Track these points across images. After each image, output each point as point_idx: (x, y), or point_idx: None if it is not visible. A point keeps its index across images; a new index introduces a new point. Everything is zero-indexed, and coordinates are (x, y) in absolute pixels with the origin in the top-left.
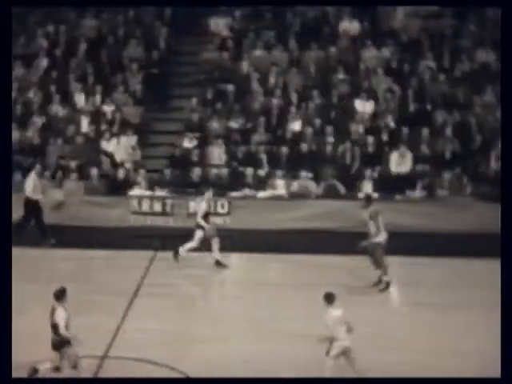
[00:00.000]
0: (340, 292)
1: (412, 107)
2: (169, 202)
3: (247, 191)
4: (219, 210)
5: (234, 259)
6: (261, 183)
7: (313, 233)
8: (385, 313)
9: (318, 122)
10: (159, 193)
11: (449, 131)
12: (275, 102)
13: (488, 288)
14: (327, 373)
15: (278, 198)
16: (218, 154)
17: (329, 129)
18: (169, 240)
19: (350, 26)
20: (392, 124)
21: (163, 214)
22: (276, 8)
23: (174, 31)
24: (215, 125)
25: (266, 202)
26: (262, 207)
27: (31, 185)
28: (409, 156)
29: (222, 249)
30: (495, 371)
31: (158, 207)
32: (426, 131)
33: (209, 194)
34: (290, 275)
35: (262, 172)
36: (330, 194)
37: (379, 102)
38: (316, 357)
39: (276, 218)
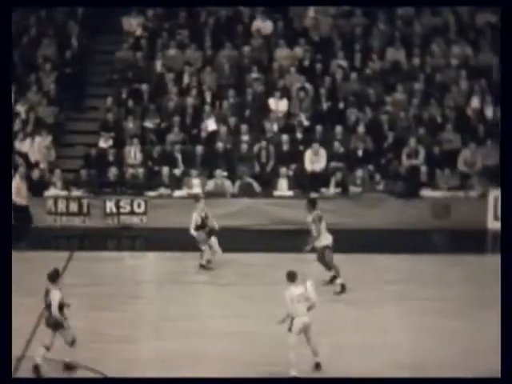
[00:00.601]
0: (257, 289)
1: (325, 105)
2: (85, 201)
3: (163, 190)
4: (136, 209)
5: (152, 258)
6: (177, 182)
7: (229, 231)
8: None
9: (232, 120)
10: (75, 193)
11: (361, 129)
12: (190, 101)
13: (404, 282)
14: (291, 349)
15: (194, 196)
16: (133, 153)
17: (244, 127)
18: (86, 240)
19: (262, 25)
20: (306, 122)
21: (80, 214)
22: (189, 7)
23: (88, 30)
24: (130, 124)
25: (182, 200)
26: (179, 206)
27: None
28: (323, 154)
29: (139, 248)
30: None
31: (74, 207)
32: (339, 129)
33: (200, 203)
34: (206, 273)
35: (177, 171)
36: (246, 192)
37: (293, 101)
38: (234, 355)
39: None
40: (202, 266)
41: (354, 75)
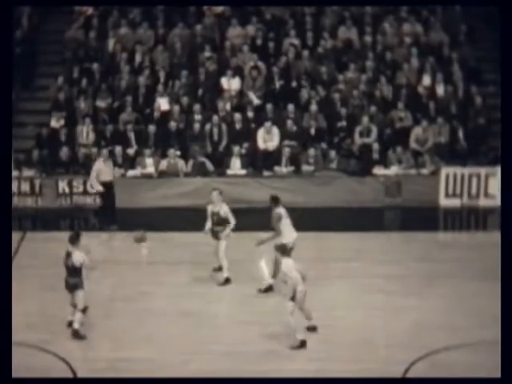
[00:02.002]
0: (210, 268)
1: (277, 84)
2: (37, 182)
3: (116, 170)
4: (88, 189)
5: (104, 238)
6: (130, 162)
7: (182, 210)
8: None
9: (185, 100)
10: (27, 173)
11: (314, 107)
12: (142, 80)
13: (356, 260)
14: (291, 315)
15: (147, 176)
16: (85, 133)
17: (196, 107)
18: (38, 220)
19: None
20: (258, 101)
21: (32, 194)
22: None
23: (38, 10)
24: (82, 104)
25: (136, 180)
26: (132, 186)
27: (95, 170)
28: (275, 132)
29: (93, 228)
30: None
31: (26, 187)
32: (291, 107)
33: (215, 194)
34: (159, 253)
35: (130, 151)
36: (199, 171)
37: (245, 80)
38: (182, 332)
39: (146, 196)
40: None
41: (306, 53)
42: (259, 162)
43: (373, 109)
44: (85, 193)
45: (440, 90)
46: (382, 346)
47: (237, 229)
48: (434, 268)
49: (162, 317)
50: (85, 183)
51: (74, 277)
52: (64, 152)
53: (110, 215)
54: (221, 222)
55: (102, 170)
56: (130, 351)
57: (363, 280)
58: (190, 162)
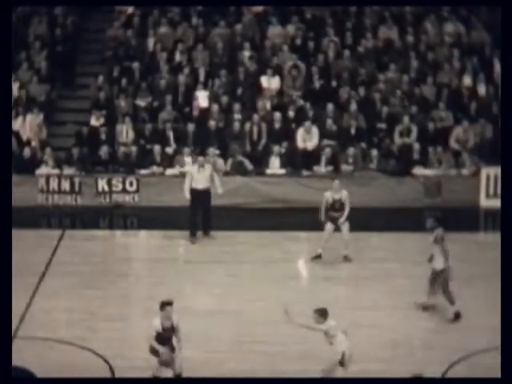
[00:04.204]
0: (249, 268)
1: (317, 83)
2: (77, 180)
3: (155, 169)
4: (128, 187)
5: (143, 236)
6: (169, 160)
7: (221, 209)
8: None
9: (224, 99)
10: (67, 171)
11: (353, 107)
12: (182, 79)
13: (395, 260)
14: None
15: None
16: (125, 131)
17: (236, 106)
18: (77, 218)
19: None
20: (298, 100)
21: (71, 192)
22: None
23: (79, 8)
24: (122, 103)
25: (175, 179)
26: (171, 184)
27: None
28: (315, 132)
29: (130, 226)
30: None
31: (65, 186)
32: (330, 107)
33: (337, 182)
34: (197, 252)
35: (169, 149)
36: (238, 170)
37: (285, 79)
38: (221, 333)
39: (184, 195)
40: (316, 257)
41: (346, 53)
42: (298, 161)
43: (413, 108)
44: (124, 191)
45: (482, 90)
46: (420, 348)
47: (275, 228)
48: (474, 269)
49: (201, 316)
50: (124, 181)
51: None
52: (103, 150)
53: (197, 224)
54: (340, 207)
55: (195, 177)
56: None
57: (401, 281)
58: (229, 161)
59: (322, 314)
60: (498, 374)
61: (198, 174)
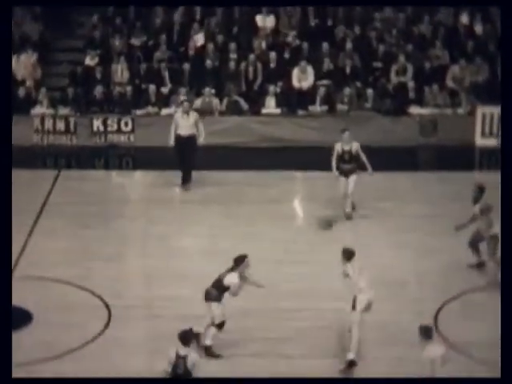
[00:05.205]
0: (245, 208)
1: (313, 23)
2: (72, 120)
3: (150, 109)
4: (123, 127)
5: (138, 176)
6: (164, 100)
7: (216, 149)
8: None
9: (220, 38)
10: (62, 111)
11: (349, 46)
12: (177, 18)
13: (391, 200)
14: (355, 327)
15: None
16: (120, 71)
17: (232, 45)
18: (73, 159)
19: None
20: (293, 39)
21: (67, 132)
22: None
23: None
24: (117, 42)
25: (170, 119)
26: (166, 124)
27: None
28: (310, 71)
29: (126, 166)
30: None
31: (61, 126)
32: (326, 46)
33: (347, 133)
34: (193, 192)
35: (164, 89)
36: (234, 110)
37: (280, 18)
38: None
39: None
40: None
41: None
42: (293, 101)
43: (409, 47)
44: (119, 131)
45: (478, 28)
46: (414, 286)
47: (271, 168)
48: (468, 208)
49: (195, 255)
50: (119, 121)
51: (216, 289)
52: (98, 90)
53: (185, 173)
54: (351, 159)
55: (179, 123)
56: (163, 289)
57: (396, 219)
58: (225, 101)
59: (345, 254)
60: (490, 311)
61: (182, 120)
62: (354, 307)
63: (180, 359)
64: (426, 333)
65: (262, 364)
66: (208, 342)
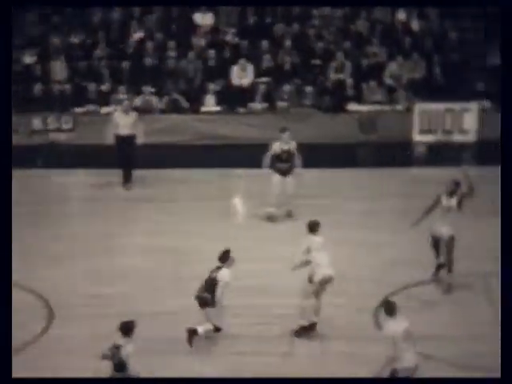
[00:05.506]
0: (185, 205)
1: (251, 20)
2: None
3: (90, 107)
4: (63, 126)
5: (79, 175)
6: (104, 98)
7: (157, 147)
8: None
9: (159, 36)
10: None
11: (288, 43)
12: (115, 15)
13: (330, 196)
14: (312, 299)
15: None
16: (59, 69)
17: (171, 43)
18: (13, 157)
19: None
20: (232, 37)
21: None
22: None
23: None
24: (55, 40)
25: (110, 117)
26: (106, 122)
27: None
28: (249, 69)
29: (67, 164)
30: None
31: None
32: (265, 44)
33: (287, 133)
34: (134, 191)
35: (104, 87)
36: (174, 108)
37: (219, 15)
38: (158, 270)
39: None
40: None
41: None
42: (233, 98)
43: (347, 44)
44: (59, 129)
45: (415, 25)
46: (355, 281)
47: (211, 165)
48: (409, 204)
49: (137, 253)
50: (59, 120)
51: (208, 292)
52: (38, 88)
53: (125, 172)
54: (288, 158)
55: (119, 122)
56: (106, 287)
57: (336, 216)
58: (165, 99)
59: (310, 226)
60: (430, 307)
61: (121, 119)
62: (310, 280)
63: (115, 349)
64: (389, 309)
65: (212, 361)
66: (199, 328)
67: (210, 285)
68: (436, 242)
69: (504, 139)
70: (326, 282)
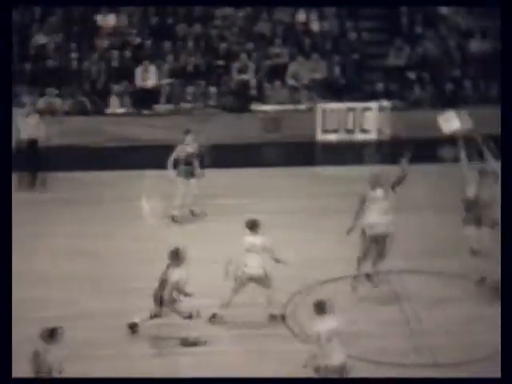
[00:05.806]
0: (97, 207)
1: (153, 21)
2: None
3: None
4: None
5: None
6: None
7: (63, 149)
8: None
9: (61, 37)
10: None
11: (190, 44)
12: (16, 17)
13: (237, 196)
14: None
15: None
16: None
17: (72, 44)
18: None
19: None
20: (135, 38)
21: None
22: None
23: None
24: None
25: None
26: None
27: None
28: (153, 70)
29: None
30: None
31: None
32: (168, 45)
33: (191, 135)
34: (46, 195)
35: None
36: (78, 110)
37: (120, 17)
38: (80, 272)
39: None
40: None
41: None
42: (138, 100)
43: (250, 45)
44: None
45: (315, 25)
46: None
47: (119, 167)
48: (314, 202)
49: (57, 255)
50: None
51: (161, 292)
52: None
53: (31, 175)
54: (192, 161)
55: (22, 126)
56: (27, 291)
57: (242, 216)
58: (69, 101)
59: (248, 225)
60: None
61: (24, 122)
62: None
63: (37, 356)
64: (319, 307)
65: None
66: (137, 319)
67: (161, 284)
68: (370, 238)
69: (504, 138)
70: (249, 280)
